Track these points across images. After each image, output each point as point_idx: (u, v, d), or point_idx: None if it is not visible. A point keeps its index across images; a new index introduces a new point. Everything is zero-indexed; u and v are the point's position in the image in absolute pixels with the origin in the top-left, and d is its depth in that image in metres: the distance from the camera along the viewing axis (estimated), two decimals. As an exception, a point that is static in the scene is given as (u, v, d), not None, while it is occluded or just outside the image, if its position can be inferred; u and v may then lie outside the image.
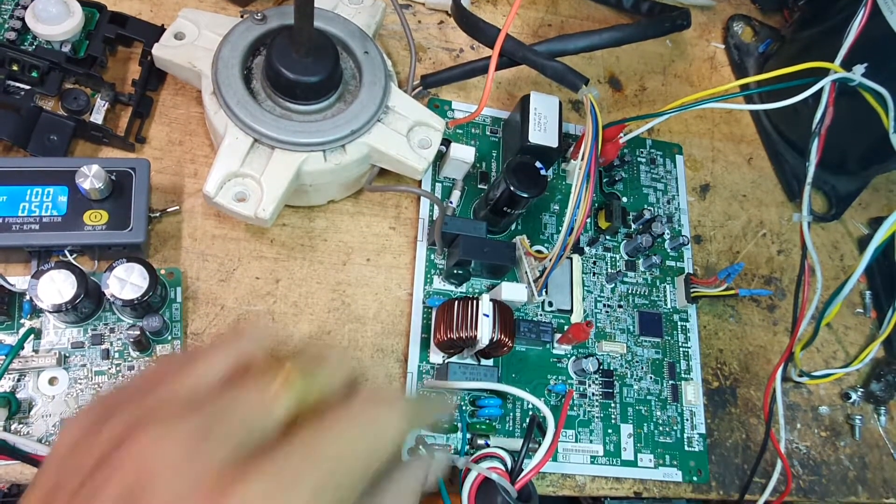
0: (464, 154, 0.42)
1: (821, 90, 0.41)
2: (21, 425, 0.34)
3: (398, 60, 0.48)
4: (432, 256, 0.43)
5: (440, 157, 0.45)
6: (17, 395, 0.34)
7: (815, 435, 0.48)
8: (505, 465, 0.38)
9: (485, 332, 0.37)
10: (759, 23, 0.57)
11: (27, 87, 0.38)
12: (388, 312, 0.42)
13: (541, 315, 0.44)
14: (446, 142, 0.44)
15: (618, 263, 0.47)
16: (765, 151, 0.54)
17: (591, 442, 0.42)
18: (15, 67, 0.38)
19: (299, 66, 0.36)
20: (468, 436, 0.39)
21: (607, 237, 0.47)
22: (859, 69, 0.41)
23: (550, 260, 0.40)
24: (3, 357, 0.34)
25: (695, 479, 0.43)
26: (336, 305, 0.41)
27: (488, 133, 0.47)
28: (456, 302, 0.38)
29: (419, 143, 0.40)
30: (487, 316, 0.37)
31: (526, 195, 0.39)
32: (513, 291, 0.40)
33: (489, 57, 0.41)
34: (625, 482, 0.42)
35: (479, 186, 0.45)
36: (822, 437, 0.48)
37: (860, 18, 0.41)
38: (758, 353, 0.48)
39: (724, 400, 0.46)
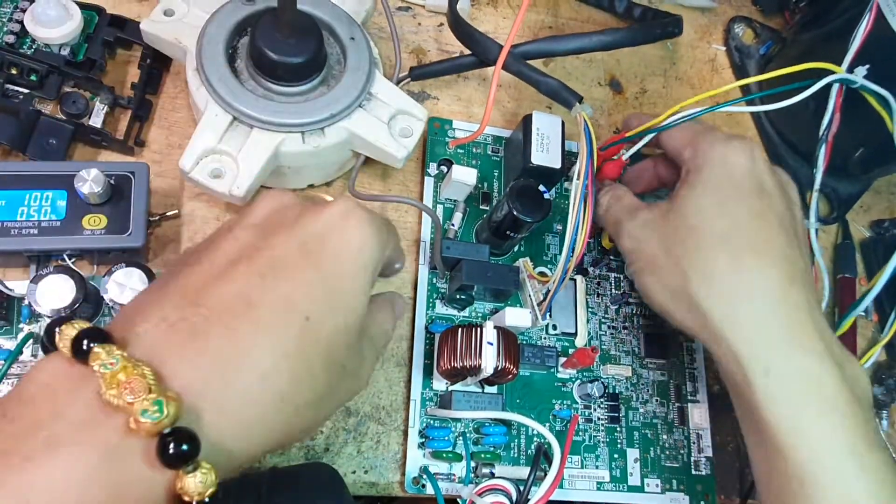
0: (465, 176, 0.41)
1: (827, 95, 0.41)
2: (20, 430, 0.34)
3: (399, 62, 0.47)
4: (434, 280, 0.42)
5: (441, 178, 0.44)
6: (16, 401, 0.34)
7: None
8: (510, 497, 0.37)
9: (489, 360, 0.36)
10: (760, 24, 0.57)
11: (26, 91, 0.38)
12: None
13: (545, 338, 0.43)
14: (448, 163, 0.45)
15: (622, 284, 0.46)
16: (765, 153, 0.54)
17: (596, 467, 0.42)
18: (13, 71, 0.38)
19: (282, 47, 0.36)
20: (472, 464, 0.39)
21: (611, 257, 0.46)
22: (861, 71, 0.41)
23: (553, 283, 0.39)
24: (2, 362, 0.34)
25: (703, 503, 0.43)
26: (336, 309, 0.41)
27: (490, 152, 0.46)
28: (459, 330, 0.38)
29: (400, 131, 0.40)
30: (491, 344, 0.36)
31: (529, 220, 0.38)
32: (516, 317, 0.39)
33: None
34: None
35: (481, 207, 0.45)
36: (824, 440, 0.47)
37: (866, 23, 0.41)
38: (759, 357, 0.48)
39: (724, 405, 0.46)
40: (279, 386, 0.23)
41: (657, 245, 0.36)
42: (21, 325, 0.35)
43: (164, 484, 0.21)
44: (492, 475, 0.39)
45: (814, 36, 0.52)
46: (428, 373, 0.40)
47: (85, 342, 0.21)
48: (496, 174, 0.46)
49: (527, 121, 0.42)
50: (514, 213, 0.38)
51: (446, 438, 0.39)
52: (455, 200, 0.44)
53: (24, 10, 0.39)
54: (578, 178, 0.38)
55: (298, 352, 0.24)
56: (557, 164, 0.42)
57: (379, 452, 0.39)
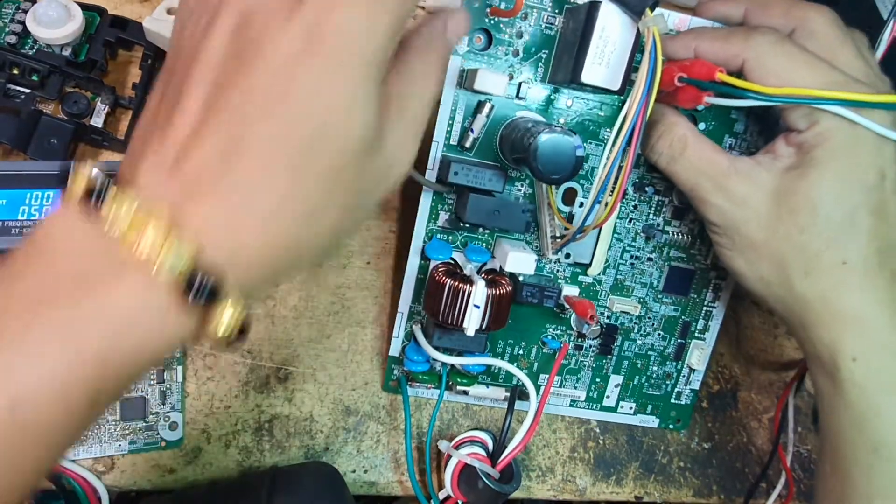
0: (492, 85, 0.34)
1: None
2: (20, 429, 0.34)
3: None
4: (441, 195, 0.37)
5: (474, 55, 0.36)
6: (17, 399, 0.34)
7: (816, 438, 0.47)
8: (486, 449, 0.38)
9: (472, 323, 0.34)
10: (759, 26, 0.57)
11: (27, 91, 0.38)
12: (390, 316, 0.42)
13: (553, 264, 0.39)
14: (486, 34, 0.35)
15: (664, 210, 0.40)
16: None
17: (575, 388, 0.42)
18: (15, 71, 0.38)
19: None
20: (448, 381, 0.39)
21: (657, 177, 0.39)
22: None
23: (570, 233, 0.35)
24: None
25: (671, 426, 0.43)
26: (336, 309, 0.41)
27: (543, 23, 0.35)
28: (446, 283, 0.35)
29: None
30: (478, 307, 0.34)
31: (552, 178, 0.32)
32: (519, 263, 0.36)
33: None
34: (625, 486, 0.42)
35: (517, 101, 0.36)
36: (824, 441, 0.48)
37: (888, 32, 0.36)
38: (758, 357, 0.48)
39: (724, 403, 0.46)
40: (284, 227, 0.22)
41: (756, 230, 0.33)
42: (22, 325, 0.36)
43: (191, 326, 0.21)
44: (466, 394, 0.40)
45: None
46: (420, 287, 0.38)
47: (97, 191, 0.21)
48: (543, 57, 0.36)
49: (591, 11, 0.32)
50: (532, 167, 0.32)
51: (424, 361, 0.38)
52: (481, 95, 0.36)
53: (25, 11, 0.39)
54: (626, 119, 0.31)
55: (296, 187, 0.22)
56: (616, 86, 0.33)
57: (378, 452, 0.39)
